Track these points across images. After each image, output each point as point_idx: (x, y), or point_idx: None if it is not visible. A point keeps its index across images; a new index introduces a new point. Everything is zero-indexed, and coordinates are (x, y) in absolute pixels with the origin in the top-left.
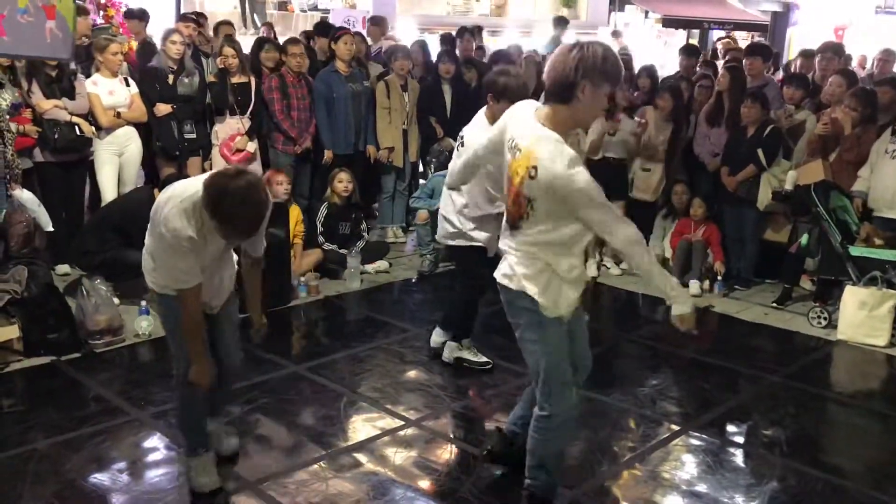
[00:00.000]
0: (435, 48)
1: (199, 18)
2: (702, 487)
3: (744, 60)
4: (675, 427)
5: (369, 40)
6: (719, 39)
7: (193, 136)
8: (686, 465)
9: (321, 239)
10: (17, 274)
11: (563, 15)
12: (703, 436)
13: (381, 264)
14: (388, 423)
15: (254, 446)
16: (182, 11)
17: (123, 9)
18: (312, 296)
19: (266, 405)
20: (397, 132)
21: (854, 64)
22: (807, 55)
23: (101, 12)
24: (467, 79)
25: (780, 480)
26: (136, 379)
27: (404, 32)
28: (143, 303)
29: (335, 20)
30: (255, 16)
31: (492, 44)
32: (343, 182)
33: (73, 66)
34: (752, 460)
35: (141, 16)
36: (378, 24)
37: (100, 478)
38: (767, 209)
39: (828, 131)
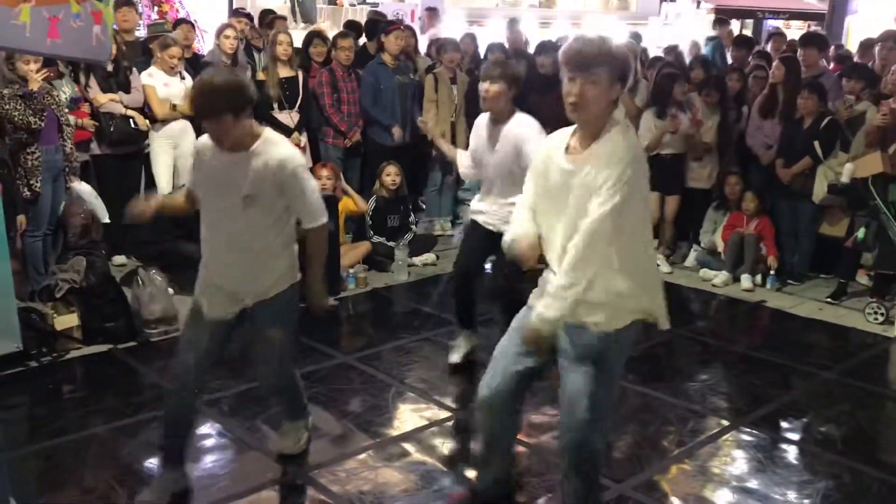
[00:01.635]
0: (484, 41)
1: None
2: (752, 483)
3: (798, 51)
4: (724, 422)
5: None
6: (771, 36)
7: None
8: (736, 461)
9: (370, 232)
10: (76, 264)
11: (721, 17)
12: (754, 431)
13: (429, 257)
14: (436, 413)
15: None
16: (234, 7)
17: (177, 5)
18: (361, 288)
19: (316, 394)
20: (445, 125)
21: None
22: (866, 45)
23: (156, 7)
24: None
25: (835, 478)
26: None
27: (453, 24)
28: None
29: (387, 14)
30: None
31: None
32: (391, 175)
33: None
34: (805, 457)
35: (187, 21)
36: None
37: (155, 463)
38: (823, 203)
39: (887, 122)
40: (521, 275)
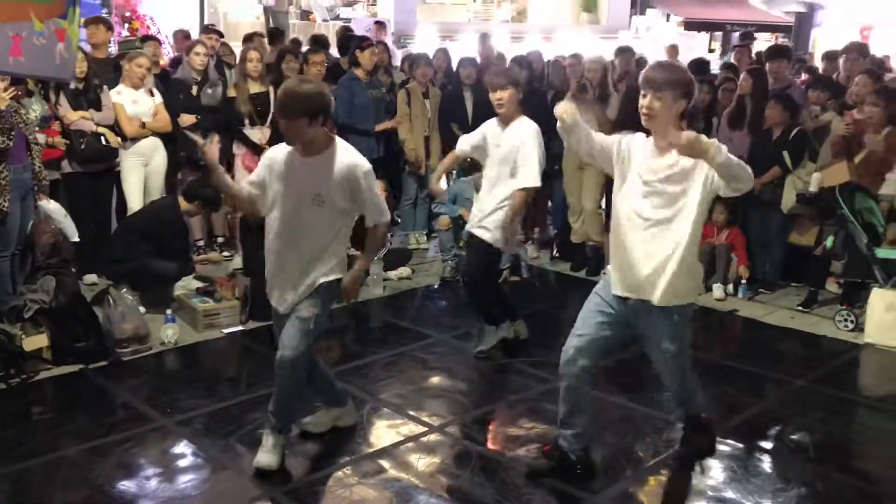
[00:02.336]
0: (456, 55)
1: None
2: (727, 493)
3: (766, 63)
4: None
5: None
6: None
7: (217, 146)
8: (711, 471)
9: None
10: (45, 284)
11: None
12: (729, 440)
13: (404, 270)
14: (412, 429)
15: None
16: (206, 23)
17: (148, 22)
18: (336, 303)
19: None
20: (419, 139)
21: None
22: (830, 57)
23: (126, 25)
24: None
25: (808, 486)
26: (162, 386)
27: (425, 39)
28: (169, 311)
29: (356, 29)
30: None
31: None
32: None
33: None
34: (779, 465)
35: (153, 38)
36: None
37: (127, 484)
38: (792, 212)
39: (851, 132)
40: (492, 281)
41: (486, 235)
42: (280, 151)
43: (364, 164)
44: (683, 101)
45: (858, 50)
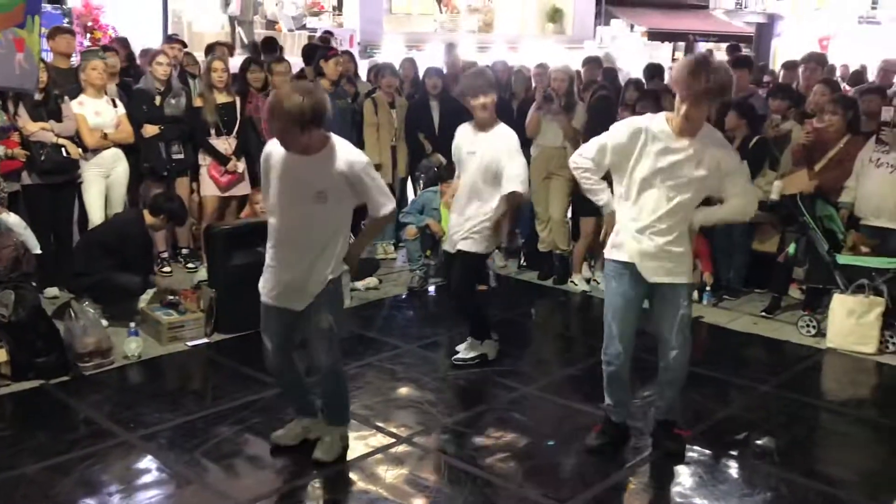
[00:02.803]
0: (422, 65)
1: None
2: (695, 499)
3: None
4: None
5: None
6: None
7: (181, 156)
8: (679, 477)
9: None
10: (4, 298)
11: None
12: (695, 447)
13: (371, 281)
14: (380, 440)
15: (245, 466)
16: (169, 33)
17: (110, 31)
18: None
19: (256, 425)
20: (386, 149)
21: (837, 73)
22: (790, 66)
23: (88, 35)
24: (455, 94)
25: (773, 490)
26: (125, 401)
27: (392, 50)
28: (132, 324)
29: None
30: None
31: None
32: None
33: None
34: (745, 471)
35: (111, 48)
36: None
37: (89, 502)
38: (755, 219)
39: (811, 140)
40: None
41: (474, 247)
42: (276, 147)
43: (362, 158)
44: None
45: (817, 60)
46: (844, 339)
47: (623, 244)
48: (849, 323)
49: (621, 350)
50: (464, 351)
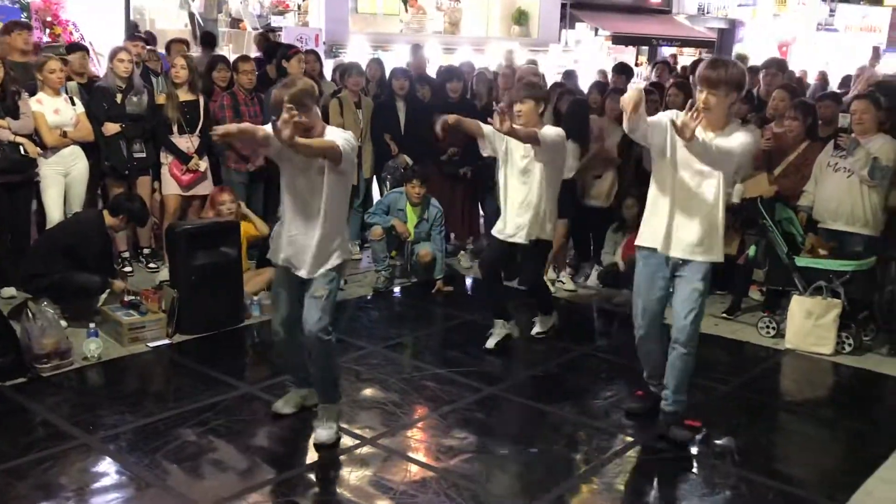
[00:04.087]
0: (389, 66)
1: (148, 39)
2: (656, 499)
3: (691, 77)
4: (629, 439)
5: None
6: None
7: (143, 155)
8: (641, 477)
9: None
10: None
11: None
12: (657, 447)
13: None
14: (344, 441)
15: (207, 468)
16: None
17: (70, 27)
18: (266, 314)
19: (219, 426)
20: None
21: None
22: (750, 71)
23: (48, 30)
24: (421, 95)
25: (733, 489)
26: (84, 403)
27: (357, 50)
28: (92, 325)
29: (287, 38)
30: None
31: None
32: None
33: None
34: (706, 470)
35: (81, 47)
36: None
37: None
38: None
39: (771, 145)
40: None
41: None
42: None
43: (349, 137)
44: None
45: (777, 65)
46: (803, 339)
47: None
48: (807, 324)
49: (642, 327)
50: (539, 326)
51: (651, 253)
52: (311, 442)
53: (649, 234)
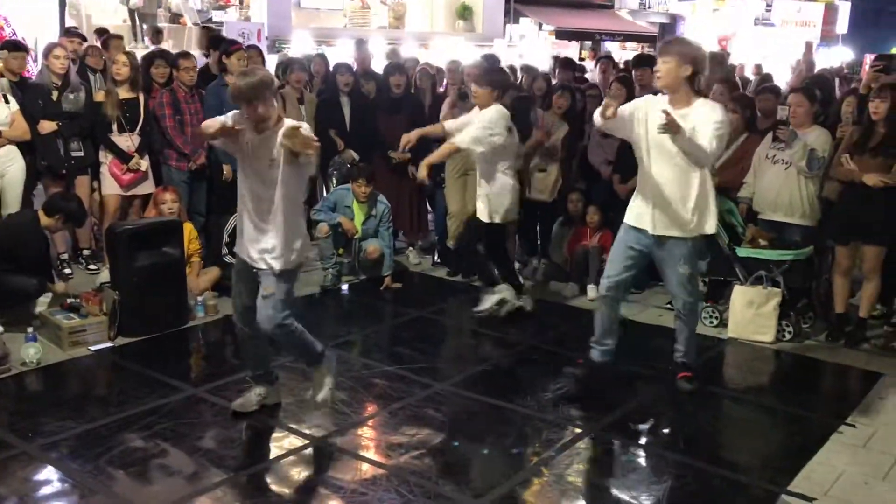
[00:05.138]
0: (332, 61)
1: (102, 33)
2: (606, 488)
3: (633, 71)
4: (578, 430)
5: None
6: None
7: (81, 153)
8: (590, 467)
9: (225, 250)
10: None
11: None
12: (606, 437)
13: None
14: (292, 442)
15: (153, 473)
16: (67, 25)
17: (1, 22)
18: (211, 315)
19: (164, 430)
20: None
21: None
22: None
23: None
24: (366, 90)
25: (680, 478)
26: (23, 410)
27: (301, 45)
28: (31, 329)
29: (229, 33)
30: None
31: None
32: None
33: None
34: (652, 459)
35: (22, 48)
36: None
37: None
38: None
39: None
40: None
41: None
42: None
43: (307, 127)
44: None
45: (716, 59)
46: (744, 328)
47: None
48: (748, 313)
49: (605, 287)
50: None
51: (632, 228)
52: (259, 443)
53: (634, 213)
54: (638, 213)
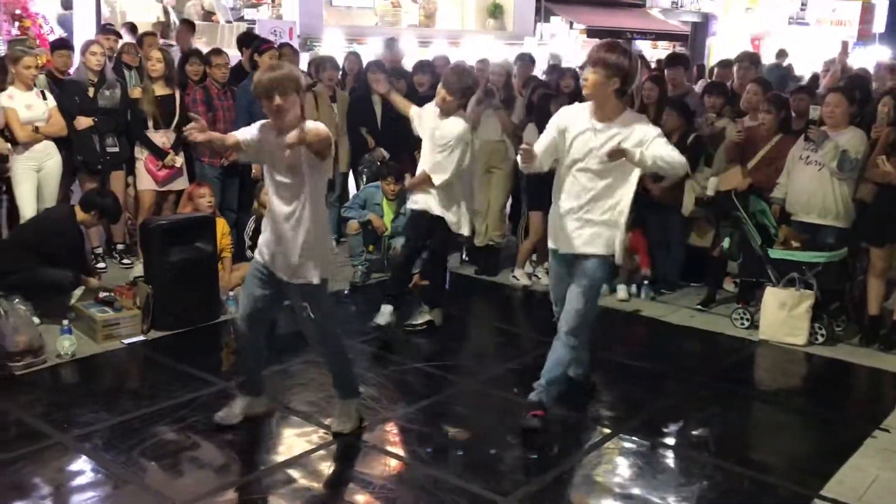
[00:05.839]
0: (365, 59)
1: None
2: (634, 489)
3: (665, 71)
4: (606, 431)
5: None
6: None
7: (116, 149)
8: (618, 468)
9: (249, 252)
10: None
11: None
12: (634, 438)
13: None
14: (322, 437)
15: (184, 466)
16: (103, 23)
17: (40, 20)
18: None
19: (196, 423)
20: None
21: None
22: (724, 64)
23: (17, 23)
24: (397, 89)
25: (709, 479)
26: (58, 401)
27: (332, 43)
28: (65, 322)
29: (261, 31)
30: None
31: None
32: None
33: None
34: (682, 460)
35: (68, 46)
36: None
37: None
38: (691, 215)
39: (743, 139)
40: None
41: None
42: (261, 133)
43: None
44: (616, 79)
45: (750, 59)
46: (776, 330)
47: None
48: (780, 315)
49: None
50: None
51: (553, 252)
52: (289, 438)
53: (551, 234)
54: (553, 235)
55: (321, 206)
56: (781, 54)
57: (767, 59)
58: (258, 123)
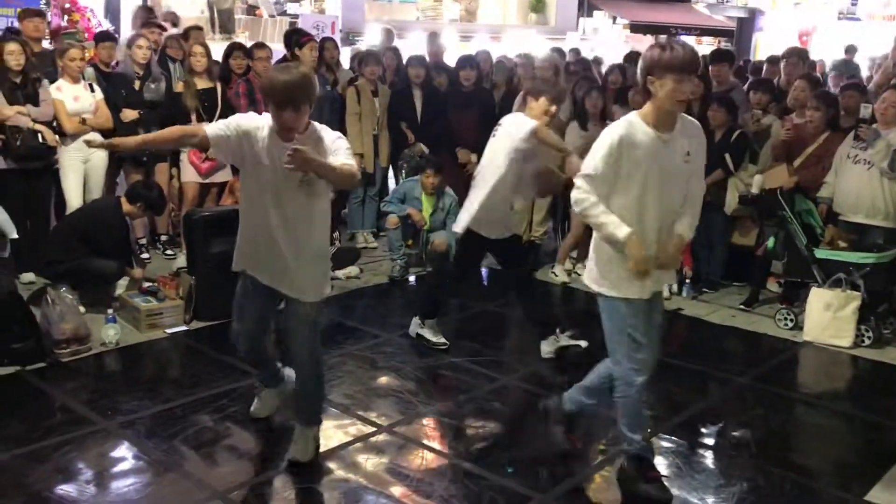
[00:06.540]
0: (405, 54)
1: (175, 20)
2: (672, 489)
3: (710, 66)
4: (646, 429)
5: None
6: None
7: None
8: (657, 467)
9: None
10: None
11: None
12: (674, 438)
13: (352, 270)
14: (360, 429)
15: (223, 455)
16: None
17: (88, 14)
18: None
19: (235, 413)
20: (368, 138)
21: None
22: (772, 61)
23: (66, 17)
24: (437, 83)
25: (749, 481)
26: (102, 388)
27: (374, 38)
28: (110, 311)
29: (304, 25)
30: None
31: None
32: None
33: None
34: (721, 461)
35: (112, 38)
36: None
37: (66, 489)
38: (735, 213)
39: (791, 137)
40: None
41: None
42: (254, 127)
43: (340, 135)
44: None
45: (798, 55)
46: (821, 332)
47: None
48: (826, 316)
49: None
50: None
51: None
52: (327, 430)
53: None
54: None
55: (327, 210)
56: (850, 50)
57: (815, 55)
58: (253, 123)
